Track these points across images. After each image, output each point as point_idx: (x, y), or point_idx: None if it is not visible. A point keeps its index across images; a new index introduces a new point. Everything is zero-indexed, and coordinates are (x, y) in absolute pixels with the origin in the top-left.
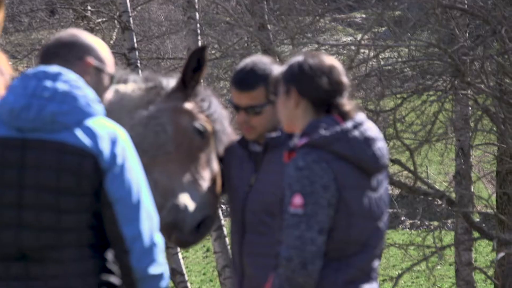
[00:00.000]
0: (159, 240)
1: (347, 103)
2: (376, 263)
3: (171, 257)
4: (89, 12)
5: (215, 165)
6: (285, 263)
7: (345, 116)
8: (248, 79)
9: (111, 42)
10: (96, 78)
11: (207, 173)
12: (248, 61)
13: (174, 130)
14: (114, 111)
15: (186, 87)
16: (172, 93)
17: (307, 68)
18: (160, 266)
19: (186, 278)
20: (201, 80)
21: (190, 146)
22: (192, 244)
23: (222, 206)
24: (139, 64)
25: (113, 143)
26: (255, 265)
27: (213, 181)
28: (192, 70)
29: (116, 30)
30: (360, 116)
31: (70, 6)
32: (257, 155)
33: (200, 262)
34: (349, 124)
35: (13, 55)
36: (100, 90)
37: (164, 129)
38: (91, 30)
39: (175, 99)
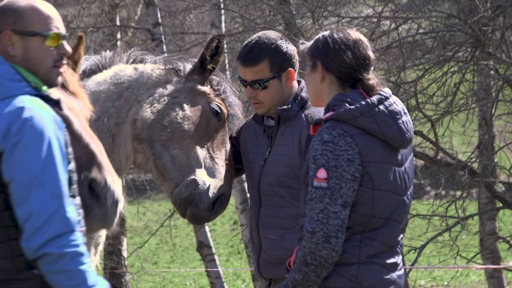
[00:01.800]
0: (67, 218)
1: (372, 77)
2: (400, 237)
3: (198, 230)
4: None
5: (229, 147)
6: (309, 236)
7: (370, 90)
8: (251, 54)
9: (136, 17)
10: (23, 47)
11: (222, 153)
12: (254, 36)
13: (191, 109)
14: (133, 88)
15: (204, 71)
16: (190, 75)
17: (332, 42)
18: (62, 246)
19: (214, 251)
20: (218, 65)
21: (207, 126)
22: (205, 221)
23: None
24: (163, 39)
25: (12, 123)
26: (271, 238)
27: (228, 161)
28: (210, 56)
29: (140, 6)
30: (386, 91)
31: None
32: (271, 129)
33: (228, 235)
34: (374, 99)
35: None
36: (33, 57)
37: (182, 108)
38: (116, 6)
39: (192, 81)
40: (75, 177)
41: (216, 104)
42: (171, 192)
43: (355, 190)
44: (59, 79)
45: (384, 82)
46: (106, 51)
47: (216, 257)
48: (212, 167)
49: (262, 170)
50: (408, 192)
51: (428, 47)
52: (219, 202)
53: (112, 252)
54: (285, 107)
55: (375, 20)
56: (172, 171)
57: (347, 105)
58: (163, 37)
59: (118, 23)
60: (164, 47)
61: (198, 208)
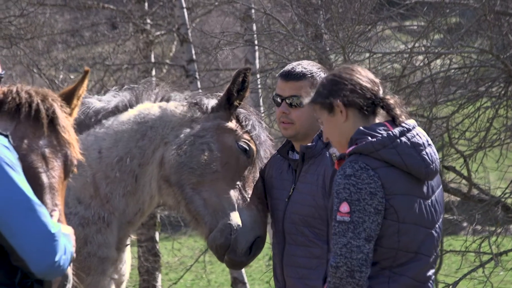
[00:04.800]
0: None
1: (391, 97)
2: (431, 271)
3: None
4: (148, 25)
5: (260, 183)
6: (333, 271)
7: (394, 120)
8: (295, 71)
9: (171, 54)
10: None
11: (254, 191)
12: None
13: (219, 149)
14: (157, 127)
15: (230, 106)
16: (215, 111)
17: (338, 77)
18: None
19: (248, 287)
20: (243, 100)
21: (237, 165)
22: (244, 265)
23: None
24: (197, 76)
25: None
26: (296, 277)
27: (261, 199)
28: (237, 91)
29: (175, 43)
30: (409, 122)
31: (130, 20)
32: (296, 163)
33: (263, 271)
34: (396, 131)
35: (75, 69)
36: None
37: (210, 148)
38: (151, 43)
39: (218, 118)
40: None
41: (244, 141)
42: (206, 237)
43: (379, 223)
44: None
45: (409, 114)
46: (138, 86)
47: None
48: (246, 209)
49: (286, 208)
50: (437, 225)
51: (460, 82)
52: (256, 245)
53: None
54: (309, 144)
55: (407, 55)
56: (205, 216)
57: (369, 138)
58: (197, 73)
59: (153, 60)
60: (199, 83)
61: (236, 254)
